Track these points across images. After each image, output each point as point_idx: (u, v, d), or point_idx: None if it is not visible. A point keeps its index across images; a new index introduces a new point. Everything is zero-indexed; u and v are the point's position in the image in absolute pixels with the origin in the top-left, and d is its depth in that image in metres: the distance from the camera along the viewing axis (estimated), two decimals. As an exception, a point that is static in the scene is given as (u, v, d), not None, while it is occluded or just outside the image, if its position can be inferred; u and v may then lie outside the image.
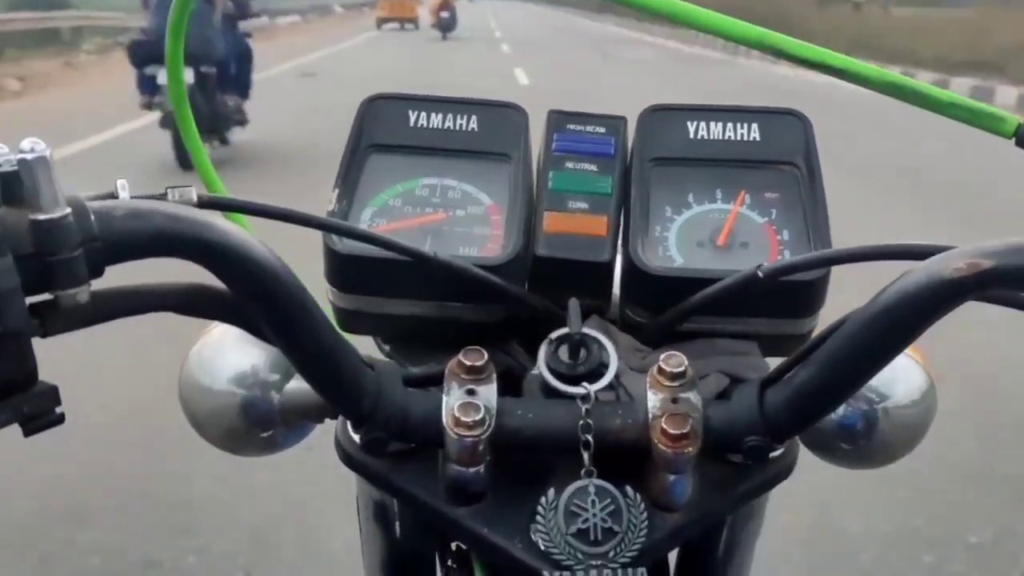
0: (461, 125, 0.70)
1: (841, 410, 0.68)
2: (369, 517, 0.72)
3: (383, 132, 0.70)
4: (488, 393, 0.56)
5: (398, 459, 0.60)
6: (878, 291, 0.50)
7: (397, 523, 0.71)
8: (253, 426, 0.73)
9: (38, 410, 0.45)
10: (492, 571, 0.65)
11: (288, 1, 34.62)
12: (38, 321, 0.44)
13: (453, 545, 0.75)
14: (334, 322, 0.62)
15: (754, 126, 0.70)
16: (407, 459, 0.60)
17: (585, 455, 0.55)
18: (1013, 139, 0.57)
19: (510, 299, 0.64)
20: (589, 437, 0.55)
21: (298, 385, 0.72)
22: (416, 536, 0.71)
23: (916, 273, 0.48)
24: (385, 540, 0.73)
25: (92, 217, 0.43)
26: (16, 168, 0.41)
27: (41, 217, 0.41)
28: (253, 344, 0.73)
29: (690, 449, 0.54)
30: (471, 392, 0.56)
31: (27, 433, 0.45)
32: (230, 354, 0.73)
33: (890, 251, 0.57)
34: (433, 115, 0.71)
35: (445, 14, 24.91)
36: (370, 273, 0.64)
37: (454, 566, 0.75)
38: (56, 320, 0.45)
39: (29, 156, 0.41)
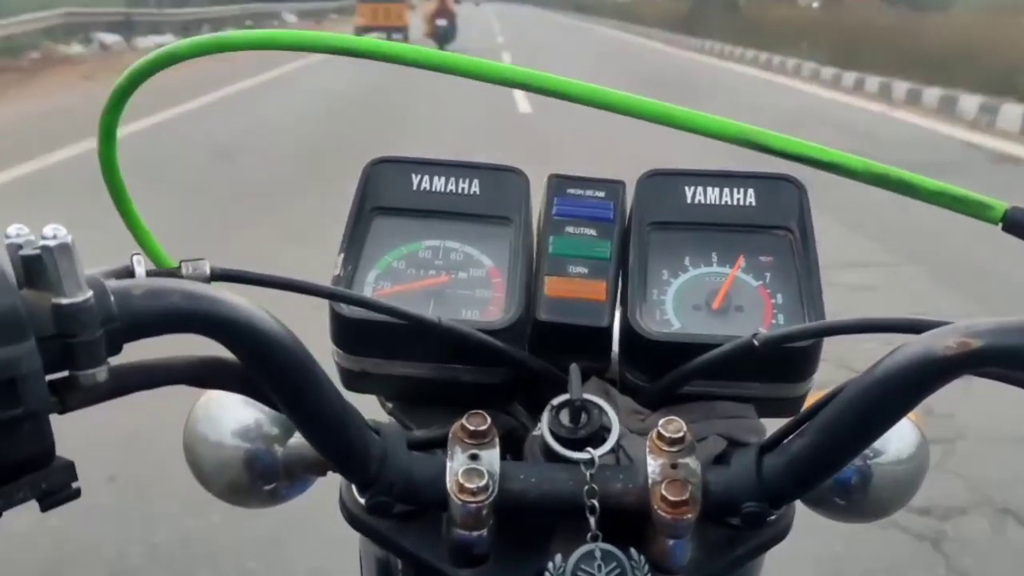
0: (463, 188, 0.72)
1: (827, 480, 0.69)
2: (372, 575, 0.73)
3: (387, 195, 0.71)
4: (491, 457, 0.57)
5: (402, 520, 0.61)
6: (874, 362, 0.52)
7: None
8: (256, 479, 0.74)
9: (55, 486, 0.46)
10: None
11: (217, 7, 25.93)
12: (56, 399, 0.45)
13: None
14: (339, 382, 0.63)
15: (750, 191, 0.71)
16: (411, 520, 0.61)
17: (591, 519, 0.56)
18: (1000, 224, 0.58)
19: (512, 362, 0.66)
20: (594, 502, 0.56)
21: (300, 440, 0.73)
22: None
23: (910, 347, 0.50)
24: None
25: (112, 299, 0.44)
26: (39, 253, 0.43)
27: (64, 301, 0.42)
28: (255, 399, 0.74)
29: (689, 515, 0.55)
30: (474, 457, 0.57)
31: (44, 508, 0.46)
32: (234, 409, 0.74)
33: (885, 324, 0.58)
34: (436, 179, 0.72)
35: (442, 22, 20.66)
36: (375, 337, 0.65)
37: None
38: (74, 397, 0.45)
39: (52, 243, 0.42)
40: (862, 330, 0.59)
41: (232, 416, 0.74)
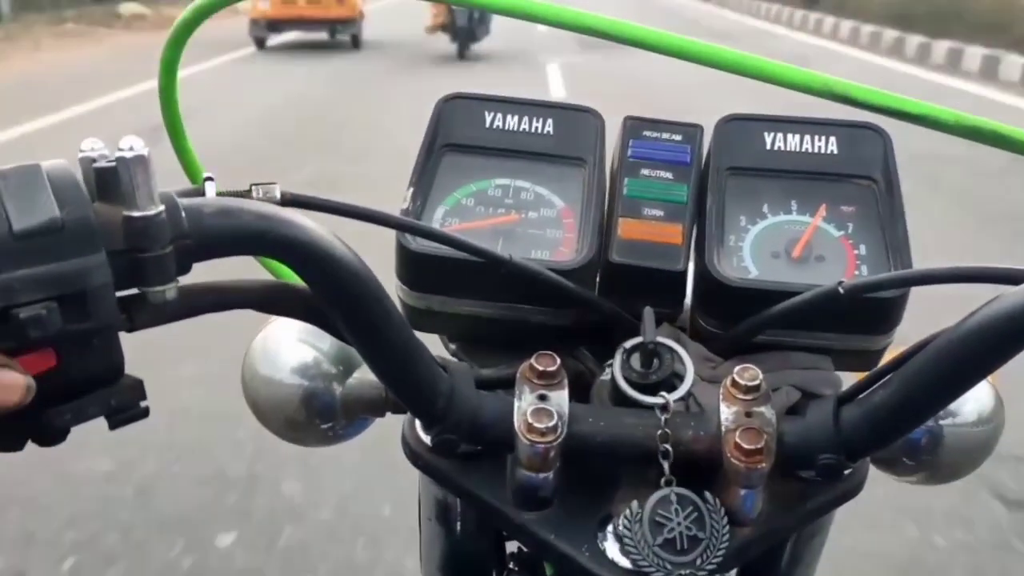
0: (537, 128, 0.70)
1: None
2: (431, 516, 0.72)
3: (458, 132, 0.70)
4: (560, 399, 0.56)
5: (466, 461, 0.60)
6: (967, 313, 0.50)
7: (459, 523, 0.71)
8: (314, 417, 0.74)
9: (124, 404, 0.45)
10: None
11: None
12: (125, 316, 0.44)
13: (514, 548, 0.75)
14: None
15: (832, 139, 0.69)
16: (474, 461, 0.60)
17: (665, 464, 0.55)
18: None
19: (581, 304, 0.64)
20: (668, 447, 0.55)
21: (360, 379, 0.72)
22: (476, 537, 0.72)
23: (1012, 297, 0.47)
24: (445, 540, 0.73)
25: (183, 215, 0.43)
26: (114, 165, 0.42)
27: (136, 214, 0.41)
28: (316, 337, 0.74)
29: (763, 464, 0.54)
30: (543, 397, 0.56)
31: (112, 426, 0.45)
32: (293, 346, 0.74)
33: (979, 273, 0.56)
34: (509, 117, 0.70)
35: (463, 17, 11.87)
36: (441, 272, 0.64)
37: (515, 569, 0.75)
38: (143, 315, 0.45)
39: (128, 154, 0.41)
40: (956, 279, 0.57)
41: (291, 353, 0.74)
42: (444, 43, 12.45)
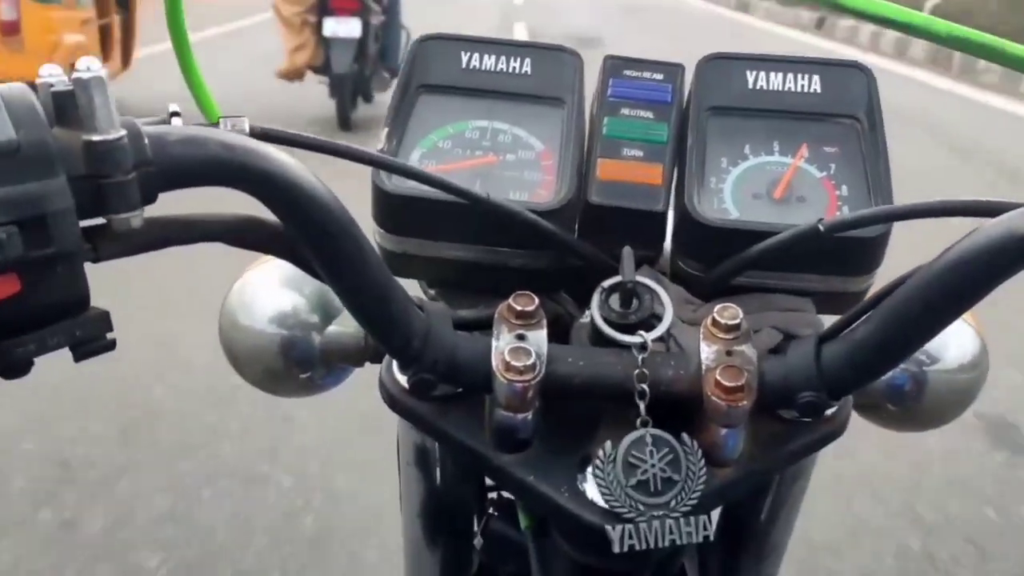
0: (514, 68, 0.69)
1: (890, 371, 0.67)
2: (410, 461, 0.72)
3: (434, 73, 0.68)
4: (538, 339, 0.55)
5: (443, 403, 0.59)
6: (946, 247, 0.49)
7: (438, 469, 0.70)
8: (292, 367, 0.73)
9: (90, 335, 0.44)
10: (537, 519, 0.65)
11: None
12: (90, 245, 0.43)
13: (494, 493, 0.75)
14: None
15: (815, 78, 0.68)
16: (452, 403, 0.59)
17: (641, 404, 0.54)
18: None
19: (560, 245, 0.63)
20: (644, 386, 0.54)
21: (339, 328, 0.72)
22: (456, 482, 0.71)
23: (990, 228, 0.47)
24: (425, 485, 0.72)
25: (146, 141, 0.42)
26: (71, 88, 0.41)
27: (96, 138, 0.40)
28: (295, 285, 0.73)
29: (744, 402, 0.53)
30: (521, 337, 0.55)
31: (78, 358, 0.45)
32: (272, 294, 0.73)
33: (960, 207, 0.55)
34: (486, 57, 0.69)
35: (346, 51, 6.39)
36: (419, 214, 0.63)
37: (494, 514, 0.74)
38: (108, 245, 0.44)
39: (85, 75, 0.40)
40: (936, 213, 0.56)
41: (269, 301, 0.73)
42: (316, 97, 6.87)
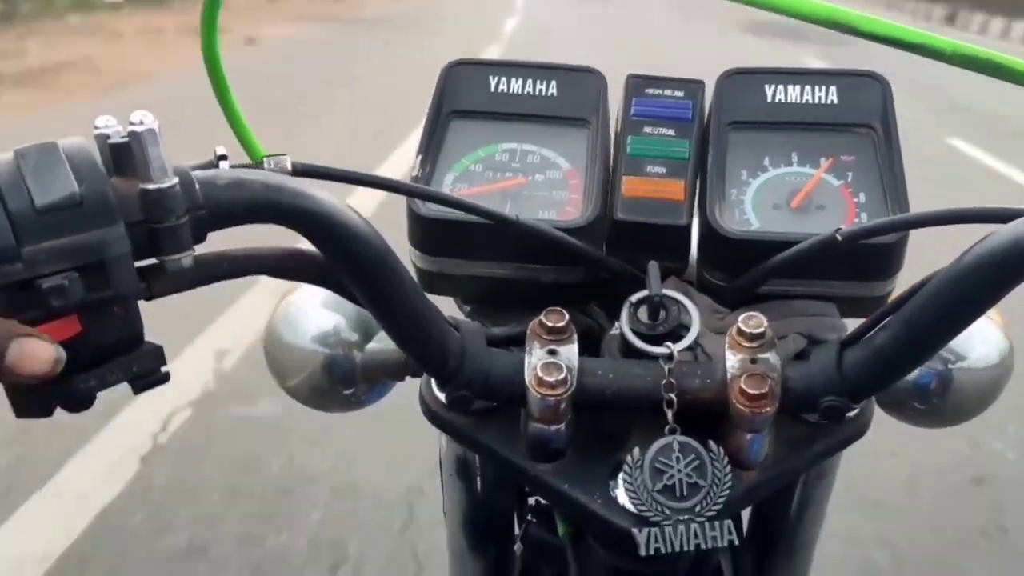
0: (541, 90, 0.71)
1: (916, 370, 0.68)
2: (452, 473, 0.75)
3: (464, 98, 0.71)
4: (569, 353, 0.57)
5: (481, 417, 0.61)
6: (961, 252, 0.51)
7: (479, 479, 0.73)
8: (336, 384, 0.76)
9: (145, 369, 0.47)
10: (573, 526, 0.67)
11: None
12: (144, 284, 0.46)
13: (532, 500, 0.77)
14: None
15: (832, 89, 0.70)
16: (489, 417, 0.61)
17: (668, 413, 0.56)
18: None
19: (589, 261, 0.66)
20: (672, 396, 0.57)
21: (379, 345, 0.74)
22: (496, 491, 0.74)
23: (1001, 233, 0.48)
24: (467, 495, 0.75)
25: (197, 186, 0.45)
26: (127, 140, 0.44)
27: (150, 187, 0.43)
28: (335, 305, 0.76)
29: (768, 409, 0.55)
30: (553, 352, 0.57)
31: (136, 391, 0.48)
32: (314, 314, 0.76)
33: (973, 214, 0.57)
34: (513, 80, 0.72)
35: None
36: (452, 236, 0.65)
37: (533, 520, 0.77)
38: (161, 283, 0.47)
39: (139, 128, 0.43)
40: (950, 221, 0.58)
41: (311, 321, 0.76)
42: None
